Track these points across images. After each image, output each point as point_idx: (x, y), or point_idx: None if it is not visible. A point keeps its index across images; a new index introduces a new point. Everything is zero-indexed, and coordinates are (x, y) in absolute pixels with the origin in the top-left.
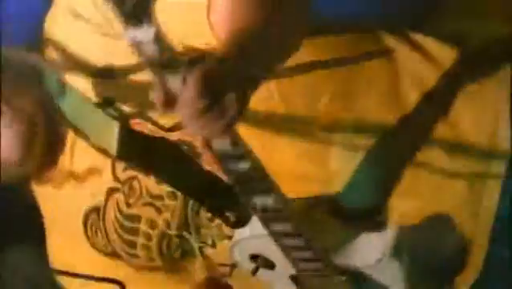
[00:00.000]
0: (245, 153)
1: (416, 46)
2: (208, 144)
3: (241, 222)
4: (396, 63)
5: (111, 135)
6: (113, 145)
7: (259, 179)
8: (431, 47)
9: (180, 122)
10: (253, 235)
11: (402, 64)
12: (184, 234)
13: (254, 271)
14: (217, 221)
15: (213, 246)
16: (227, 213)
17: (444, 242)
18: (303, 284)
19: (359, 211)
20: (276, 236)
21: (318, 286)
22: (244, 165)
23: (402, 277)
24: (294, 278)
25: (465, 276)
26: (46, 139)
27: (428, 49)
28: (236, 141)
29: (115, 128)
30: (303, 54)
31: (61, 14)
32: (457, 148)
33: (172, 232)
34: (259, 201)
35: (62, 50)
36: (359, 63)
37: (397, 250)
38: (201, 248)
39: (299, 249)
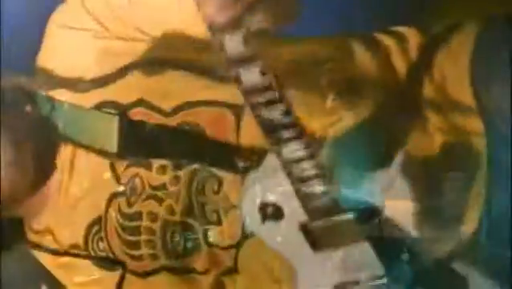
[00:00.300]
0: (256, 55)
1: (400, 37)
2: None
3: (251, 167)
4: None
5: (111, 132)
6: (114, 143)
7: (269, 87)
8: (409, 35)
9: (180, 104)
10: (264, 174)
11: (392, 52)
12: (188, 220)
13: (263, 219)
14: (223, 192)
15: (219, 222)
16: (236, 163)
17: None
18: (313, 233)
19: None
20: (287, 163)
21: (328, 231)
22: (254, 70)
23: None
24: (303, 227)
25: (469, 217)
26: (36, 152)
27: (408, 37)
28: (248, 39)
29: (114, 123)
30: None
31: (54, 33)
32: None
33: (176, 218)
34: (268, 114)
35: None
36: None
37: (407, 173)
38: (205, 233)
39: (310, 178)
